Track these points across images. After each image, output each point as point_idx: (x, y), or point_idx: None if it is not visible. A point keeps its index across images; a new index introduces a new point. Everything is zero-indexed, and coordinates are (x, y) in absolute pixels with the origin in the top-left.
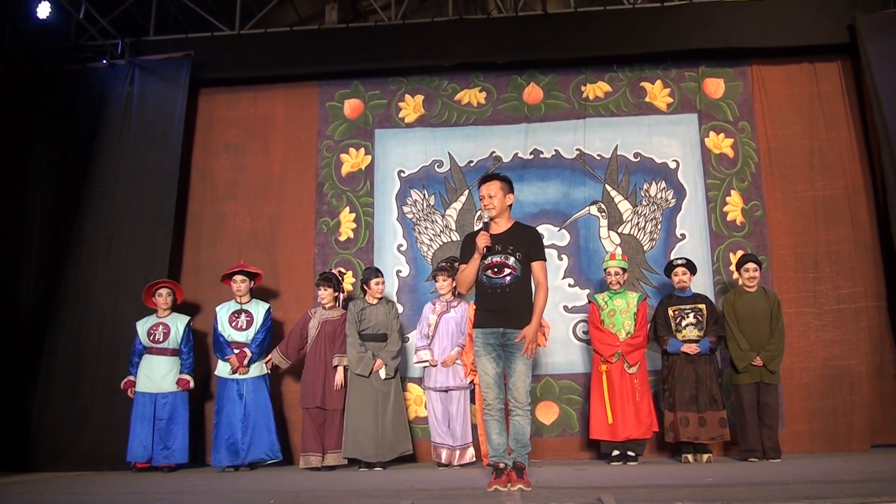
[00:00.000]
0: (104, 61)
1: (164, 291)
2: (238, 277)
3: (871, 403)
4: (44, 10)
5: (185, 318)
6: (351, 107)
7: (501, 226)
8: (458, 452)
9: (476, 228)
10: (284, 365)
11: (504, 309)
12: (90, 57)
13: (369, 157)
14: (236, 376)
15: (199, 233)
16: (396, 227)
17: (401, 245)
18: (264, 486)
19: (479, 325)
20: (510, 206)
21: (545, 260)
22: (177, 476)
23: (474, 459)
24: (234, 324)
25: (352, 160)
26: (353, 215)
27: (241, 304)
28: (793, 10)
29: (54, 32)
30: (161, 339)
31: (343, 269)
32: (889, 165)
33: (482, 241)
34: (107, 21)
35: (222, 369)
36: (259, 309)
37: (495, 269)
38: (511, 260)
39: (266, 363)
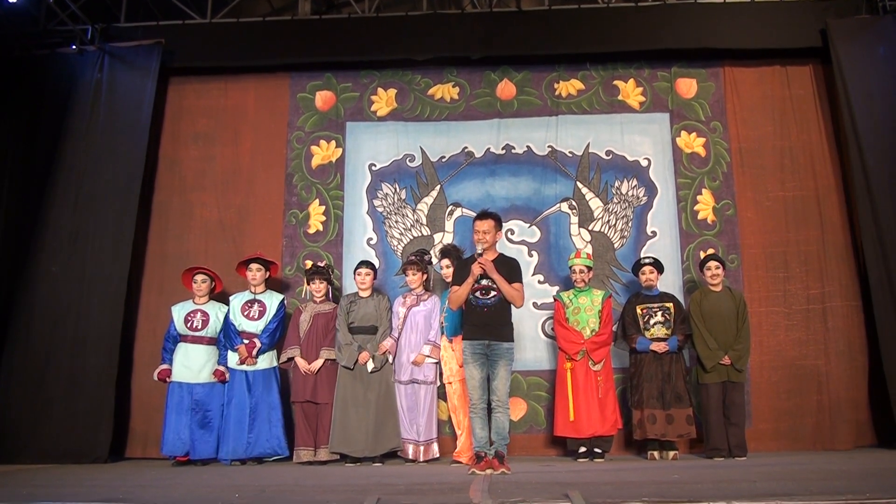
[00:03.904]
0: (73, 47)
1: (199, 278)
2: (254, 266)
3: (838, 404)
4: None
5: (224, 307)
6: (322, 99)
7: (489, 256)
8: (422, 448)
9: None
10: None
11: (489, 325)
12: (59, 42)
13: (340, 150)
14: (244, 367)
15: (166, 223)
16: (366, 221)
17: (370, 238)
18: (230, 480)
19: (467, 337)
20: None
21: (522, 283)
22: (139, 469)
23: (438, 455)
24: (246, 313)
25: (322, 152)
26: (323, 208)
27: (255, 293)
28: (766, 13)
29: (23, 16)
30: (199, 327)
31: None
32: (858, 168)
33: (478, 268)
34: (77, 6)
35: (231, 360)
36: (273, 300)
37: (483, 292)
38: (496, 285)
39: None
